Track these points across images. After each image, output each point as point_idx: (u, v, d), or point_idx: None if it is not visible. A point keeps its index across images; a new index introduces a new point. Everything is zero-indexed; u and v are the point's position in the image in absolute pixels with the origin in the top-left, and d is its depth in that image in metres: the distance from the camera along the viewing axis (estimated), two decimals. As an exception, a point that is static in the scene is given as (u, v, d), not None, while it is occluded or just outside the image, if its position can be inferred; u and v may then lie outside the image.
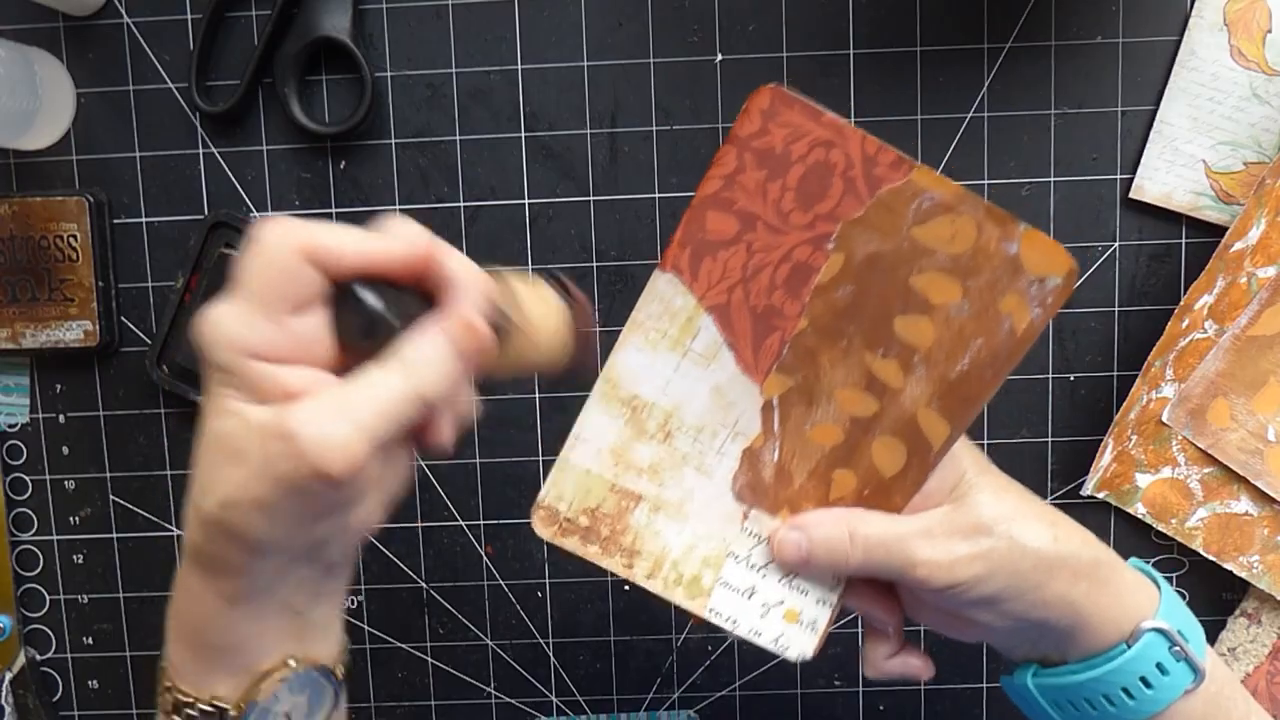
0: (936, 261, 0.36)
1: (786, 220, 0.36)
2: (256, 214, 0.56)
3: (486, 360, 0.33)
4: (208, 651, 0.33)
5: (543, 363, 0.36)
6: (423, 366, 0.31)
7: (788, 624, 0.39)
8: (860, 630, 0.58)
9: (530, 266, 0.56)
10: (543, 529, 0.39)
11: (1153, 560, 0.56)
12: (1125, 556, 0.56)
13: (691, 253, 0.37)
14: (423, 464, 0.57)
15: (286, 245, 0.30)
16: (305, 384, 0.30)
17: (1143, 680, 0.37)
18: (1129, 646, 0.37)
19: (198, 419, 0.31)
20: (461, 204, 0.56)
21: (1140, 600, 0.38)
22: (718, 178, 0.37)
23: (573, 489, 0.39)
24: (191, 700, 0.33)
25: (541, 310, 0.35)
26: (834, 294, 0.37)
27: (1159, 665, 0.37)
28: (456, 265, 0.32)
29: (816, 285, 0.37)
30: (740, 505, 0.39)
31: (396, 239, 0.32)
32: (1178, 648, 0.37)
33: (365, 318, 0.31)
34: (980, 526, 0.37)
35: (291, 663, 0.33)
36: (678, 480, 0.39)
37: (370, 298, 0.31)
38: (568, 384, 0.57)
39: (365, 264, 0.31)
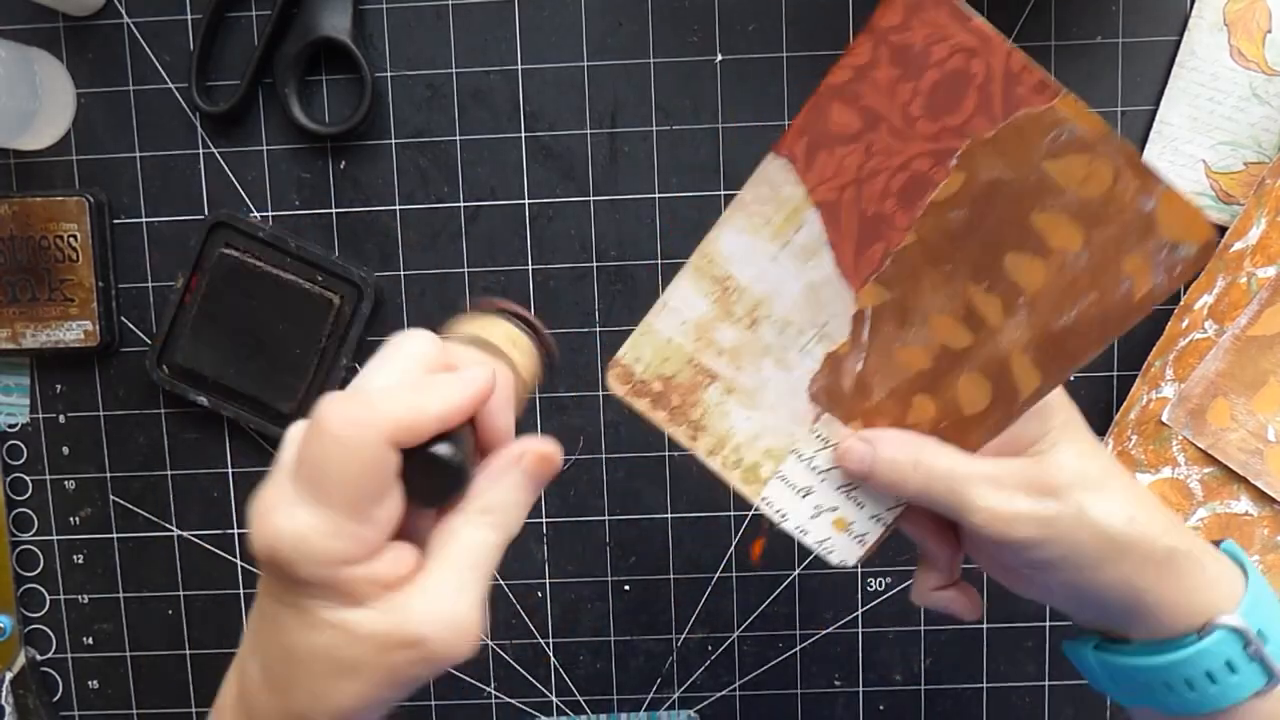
0: (1063, 202, 0.33)
1: (912, 126, 0.34)
2: (256, 214, 0.57)
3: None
4: None
5: (529, 392, 0.36)
6: (510, 511, 0.30)
7: (836, 531, 0.38)
8: (860, 632, 0.58)
9: (531, 267, 0.56)
10: (616, 386, 0.38)
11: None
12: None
13: (809, 142, 0.35)
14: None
15: (370, 437, 0.27)
16: (396, 569, 0.28)
17: (1208, 674, 0.35)
18: (1199, 638, 0.35)
19: (258, 613, 0.29)
20: (461, 204, 0.56)
21: (1220, 595, 0.35)
22: (849, 68, 0.34)
23: (651, 354, 0.38)
24: None
25: (519, 351, 0.35)
26: (948, 214, 0.35)
27: (1228, 663, 0.34)
28: (499, 387, 0.31)
29: (931, 201, 0.35)
30: (813, 408, 0.38)
31: (466, 387, 0.29)
32: (1253, 648, 0.34)
33: (450, 475, 0.29)
34: (1051, 488, 0.34)
35: None
36: (756, 369, 0.38)
37: (452, 454, 0.29)
38: (563, 385, 0.57)
39: (442, 426, 0.29)
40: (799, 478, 0.38)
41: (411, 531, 0.30)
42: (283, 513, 0.27)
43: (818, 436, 0.38)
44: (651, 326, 0.38)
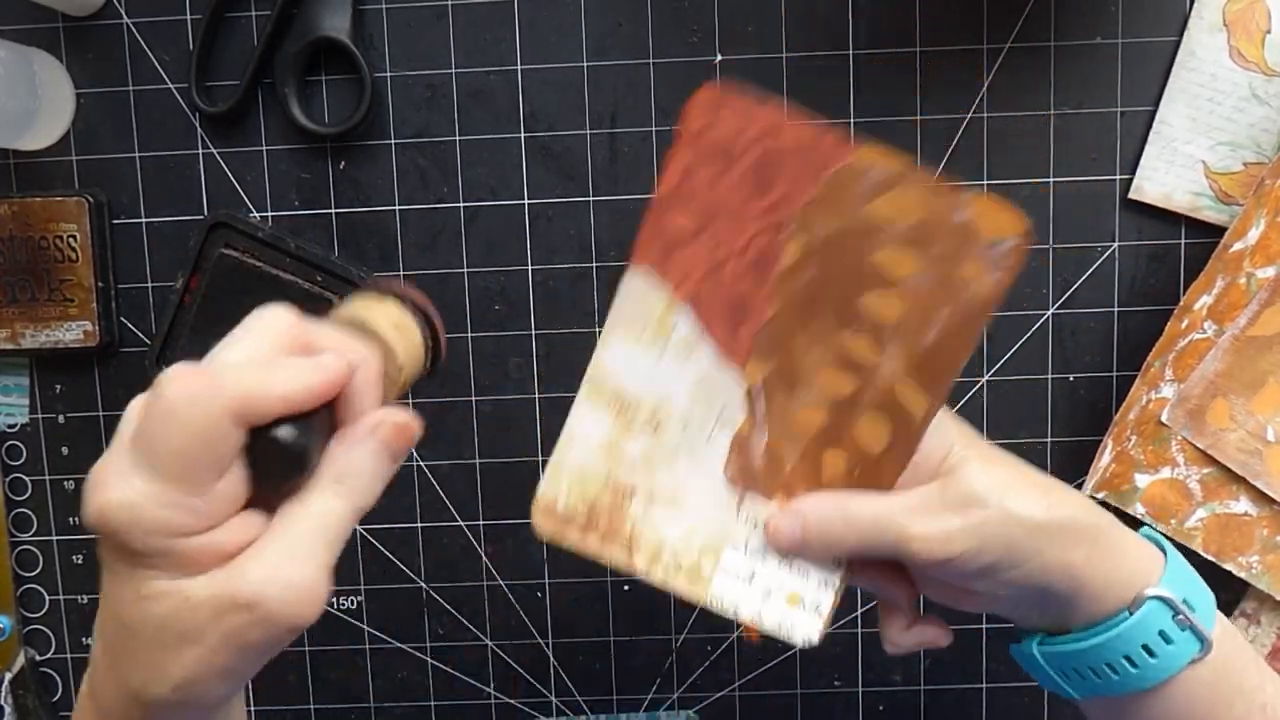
0: (893, 235, 0.36)
1: (744, 209, 0.37)
2: (256, 214, 0.57)
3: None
4: None
5: (409, 380, 0.35)
6: (362, 480, 0.30)
7: (790, 608, 0.39)
8: (860, 632, 0.58)
9: (531, 267, 0.56)
10: (543, 526, 0.39)
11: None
12: (1125, 556, 0.56)
13: (660, 249, 0.38)
14: (422, 464, 0.58)
15: (211, 409, 0.27)
16: (238, 538, 0.28)
17: (1145, 649, 0.36)
18: (1131, 614, 0.36)
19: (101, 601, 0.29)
20: (461, 204, 0.56)
21: (1144, 567, 0.37)
22: (674, 175, 0.38)
23: (569, 485, 0.39)
24: None
25: (403, 336, 0.34)
26: (798, 278, 0.37)
27: (1162, 633, 0.36)
28: (354, 357, 0.30)
29: (780, 271, 0.37)
30: (734, 491, 0.39)
31: (315, 372, 0.29)
32: (1182, 616, 0.36)
33: (290, 459, 0.29)
34: (971, 498, 0.36)
35: None
36: (671, 470, 0.39)
37: (294, 438, 0.29)
38: (562, 386, 0.57)
39: (288, 408, 0.28)
40: (740, 565, 0.39)
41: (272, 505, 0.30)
42: (116, 482, 0.27)
43: (746, 520, 0.39)
44: (564, 459, 0.39)
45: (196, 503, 0.27)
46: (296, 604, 0.28)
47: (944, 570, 0.37)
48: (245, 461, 0.28)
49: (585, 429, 0.39)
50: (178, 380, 0.27)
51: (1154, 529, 0.40)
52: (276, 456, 0.29)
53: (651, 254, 0.38)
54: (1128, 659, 0.36)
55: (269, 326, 0.30)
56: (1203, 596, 0.37)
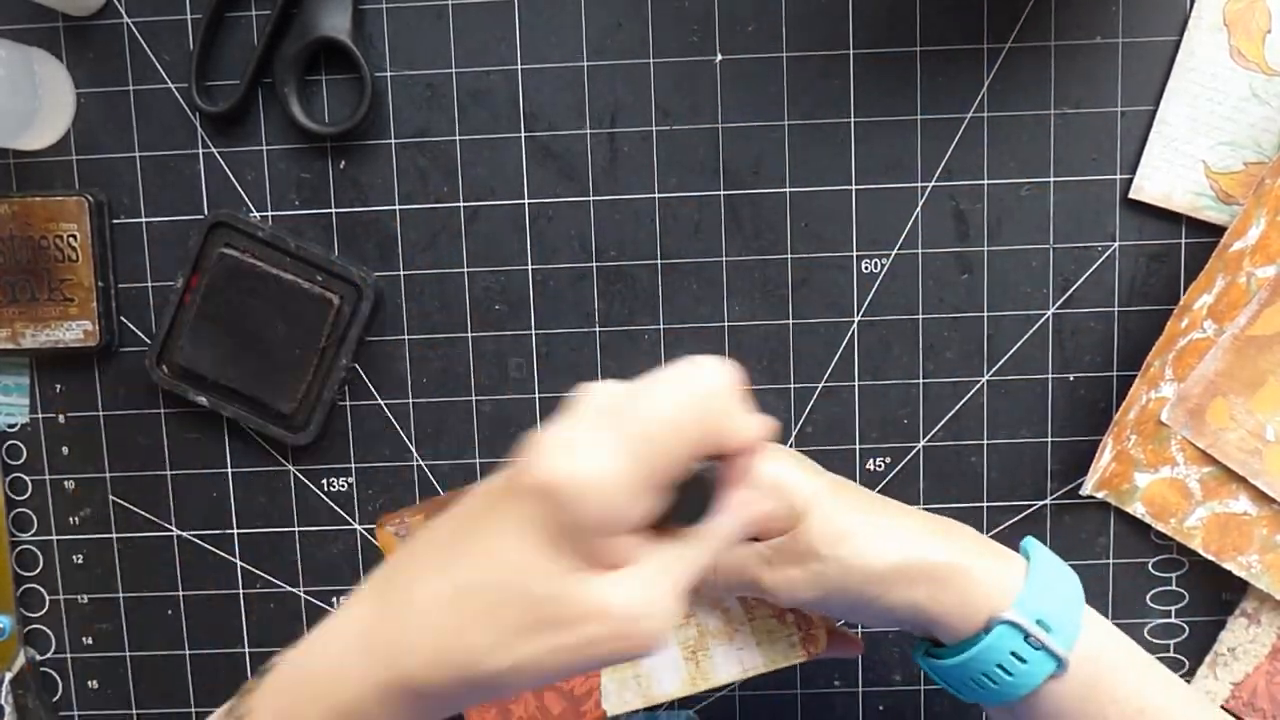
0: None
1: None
2: (256, 214, 0.57)
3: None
4: None
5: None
6: (723, 544, 0.32)
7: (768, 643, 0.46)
8: (859, 633, 0.58)
9: (531, 267, 0.56)
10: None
11: (1152, 560, 0.56)
12: (1125, 557, 0.56)
13: None
14: (422, 463, 0.58)
15: (705, 416, 0.28)
16: (629, 551, 0.29)
17: (1001, 668, 0.39)
18: (983, 637, 0.39)
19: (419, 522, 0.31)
20: (461, 204, 0.56)
21: (1000, 589, 0.39)
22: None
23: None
24: None
25: None
26: None
27: (1015, 654, 0.38)
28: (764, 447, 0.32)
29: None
30: None
31: (760, 429, 0.31)
32: (1034, 637, 0.38)
33: (702, 504, 0.30)
34: (809, 551, 0.40)
35: None
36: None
37: (715, 484, 0.30)
38: (562, 385, 0.57)
39: (737, 448, 0.30)
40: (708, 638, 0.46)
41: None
42: (592, 454, 0.28)
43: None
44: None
45: (648, 502, 0.29)
46: (653, 635, 0.29)
47: (806, 609, 0.43)
48: (672, 496, 0.30)
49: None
50: (681, 379, 0.29)
51: (1034, 545, 0.43)
52: (695, 495, 0.30)
53: None
54: (986, 675, 0.39)
55: (722, 371, 0.31)
56: (1066, 614, 0.39)
